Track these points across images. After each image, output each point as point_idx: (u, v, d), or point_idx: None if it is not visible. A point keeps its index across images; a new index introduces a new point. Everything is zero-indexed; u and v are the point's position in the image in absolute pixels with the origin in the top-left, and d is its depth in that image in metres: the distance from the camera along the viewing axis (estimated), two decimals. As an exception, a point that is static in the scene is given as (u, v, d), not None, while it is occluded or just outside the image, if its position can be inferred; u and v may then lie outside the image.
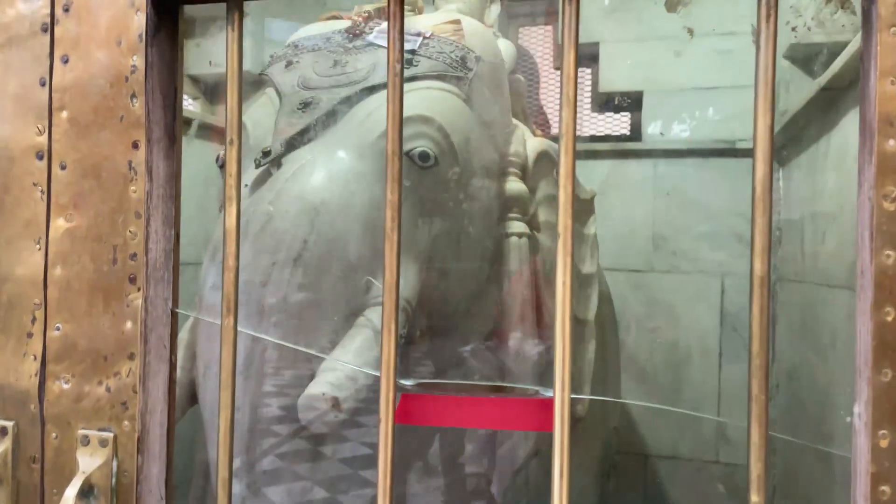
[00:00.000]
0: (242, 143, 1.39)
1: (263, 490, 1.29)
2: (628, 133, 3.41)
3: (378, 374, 0.81)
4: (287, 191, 1.35)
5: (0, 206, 0.87)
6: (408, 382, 0.89)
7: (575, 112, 0.75)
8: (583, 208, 2.07)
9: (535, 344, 1.71)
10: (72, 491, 0.79)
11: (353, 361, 1.23)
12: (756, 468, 0.70)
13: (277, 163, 1.41)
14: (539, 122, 2.38)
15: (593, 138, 3.42)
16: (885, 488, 0.65)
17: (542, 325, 1.75)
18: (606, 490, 2.37)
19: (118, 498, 0.82)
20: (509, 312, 1.68)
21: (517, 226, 1.69)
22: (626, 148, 3.32)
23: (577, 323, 1.91)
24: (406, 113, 1.48)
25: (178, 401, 1.23)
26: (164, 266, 0.86)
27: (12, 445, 0.85)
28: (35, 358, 0.85)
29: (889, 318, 0.66)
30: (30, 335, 0.85)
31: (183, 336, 1.43)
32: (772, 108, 0.71)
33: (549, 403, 0.79)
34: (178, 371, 1.29)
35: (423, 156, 1.44)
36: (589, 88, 3.38)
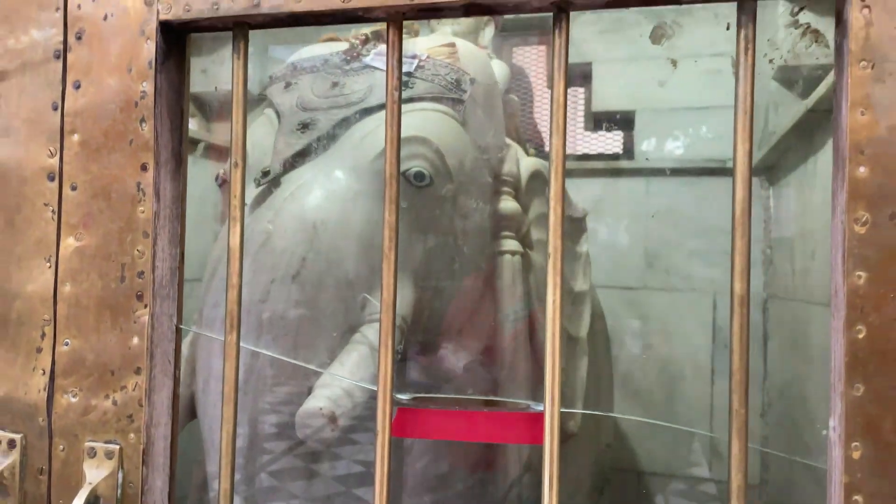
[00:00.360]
0: (243, 163, 1.43)
1: (261, 505, 1.31)
2: (621, 152, 3.46)
3: (374, 388, 0.84)
4: (286, 210, 1.39)
5: (12, 225, 0.90)
6: (404, 397, 0.93)
7: (564, 139, 0.79)
8: (575, 227, 2.11)
9: (527, 359, 1.74)
10: (78, 502, 0.82)
11: (349, 377, 1.26)
12: (737, 479, 0.73)
13: (276, 182, 1.44)
14: (533, 140, 2.42)
15: (586, 157, 3.47)
16: (858, 498, 0.69)
17: (534, 341, 1.78)
18: (599, 506, 2.39)
19: (123, 508, 0.85)
20: (502, 329, 1.71)
21: (510, 244, 1.73)
22: (619, 166, 3.37)
23: (570, 340, 1.94)
24: (402, 134, 1.52)
25: (179, 414, 1.26)
26: (169, 283, 0.89)
27: (20, 458, 0.88)
28: (44, 372, 0.88)
29: (860, 336, 0.69)
30: (39, 350, 0.88)
31: (183, 351, 1.46)
32: (750, 136, 0.75)
33: (539, 417, 0.82)
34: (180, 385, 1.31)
35: (419, 175, 1.47)
36: (582, 107, 3.43)
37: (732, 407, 0.74)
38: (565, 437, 1.86)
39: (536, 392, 1.80)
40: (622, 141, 3.42)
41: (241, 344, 0.95)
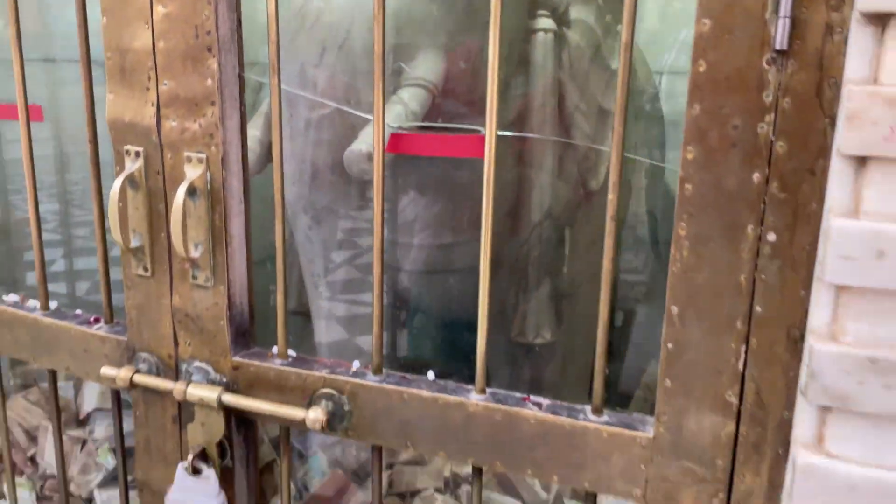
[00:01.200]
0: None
1: (318, 228, 1.73)
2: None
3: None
4: (335, -11, 1.66)
5: (120, -2, 1.25)
6: (393, 124, 1.24)
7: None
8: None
9: (554, 128, 2.01)
10: (182, 189, 1.23)
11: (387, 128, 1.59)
12: (609, 233, 1.03)
13: (330, -33, 1.70)
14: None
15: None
16: (689, 186, 0.98)
17: (562, 113, 2.04)
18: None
19: (212, 196, 1.26)
20: (532, 100, 1.96)
21: (544, 22, 1.93)
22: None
23: (601, 112, 2.17)
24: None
25: (260, 157, 1.67)
26: (230, 40, 1.23)
27: (143, 163, 1.30)
28: (152, 104, 1.27)
29: (701, 70, 0.94)
30: (147, 89, 1.26)
31: (264, 108, 1.84)
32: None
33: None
34: (261, 134, 1.71)
35: (450, -43, 1.69)
36: None
37: (611, 181, 1.02)
38: (588, 194, 2.17)
39: (564, 155, 2.09)
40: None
41: (298, 92, 1.29)
